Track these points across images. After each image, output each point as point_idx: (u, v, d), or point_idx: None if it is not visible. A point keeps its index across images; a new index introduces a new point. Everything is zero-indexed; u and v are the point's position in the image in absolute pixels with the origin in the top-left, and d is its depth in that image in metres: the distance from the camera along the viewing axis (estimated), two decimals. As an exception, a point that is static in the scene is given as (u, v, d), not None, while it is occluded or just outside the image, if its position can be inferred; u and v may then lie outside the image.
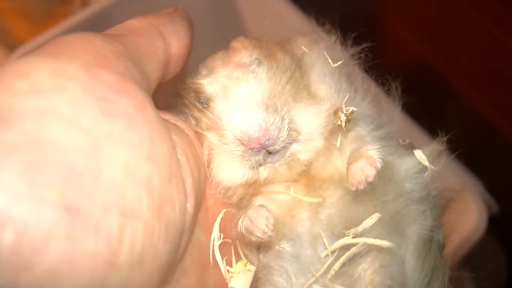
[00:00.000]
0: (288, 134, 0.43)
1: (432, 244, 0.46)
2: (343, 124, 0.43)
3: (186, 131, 0.44)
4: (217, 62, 0.47)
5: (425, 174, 0.45)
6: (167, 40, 0.43)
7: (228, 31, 0.52)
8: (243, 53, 0.46)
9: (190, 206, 0.39)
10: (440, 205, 0.48)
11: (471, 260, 0.81)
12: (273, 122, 0.42)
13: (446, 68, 0.97)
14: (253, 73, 0.44)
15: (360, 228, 0.42)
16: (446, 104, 0.98)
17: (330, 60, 0.46)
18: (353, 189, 0.41)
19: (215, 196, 0.46)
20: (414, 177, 0.45)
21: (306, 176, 0.46)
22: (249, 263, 0.46)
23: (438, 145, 0.46)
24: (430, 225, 0.45)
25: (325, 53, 0.47)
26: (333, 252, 0.43)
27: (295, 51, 0.48)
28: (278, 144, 0.43)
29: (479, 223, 0.81)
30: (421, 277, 0.44)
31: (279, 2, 1.00)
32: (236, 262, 0.47)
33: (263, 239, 0.42)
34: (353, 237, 0.42)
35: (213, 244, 0.45)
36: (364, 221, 0.42)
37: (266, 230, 0.42)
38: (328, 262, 0.43)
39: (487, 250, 0.94)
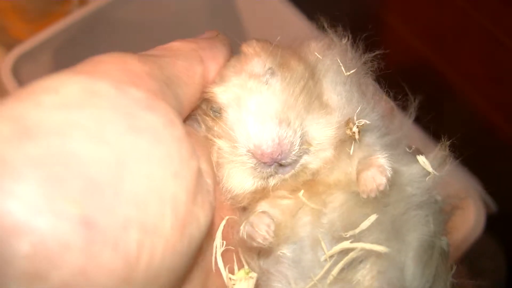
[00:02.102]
0: (300, 147, 0.43)
1: (434, 251, 0.45)
2: (356, 136, 0.43)
3: (206, 145, 0.45)
4: (229, 70, 0.46)
5: (427, 179, 0.45)
6: (206, 65, 0.43)
7: (228, 32, 0.52)
8: (256, 61, 0.46)
9: (208, 221, 0.39)
10: (443, 211, 0.48)
11: (470, 259, 0.81)
12: (286, 136, 0.42)
13: (445, 68, 0.97)
14: (266, 84, 0.44)
15: (357, 230, 0.42)
16: (445, 103, 0.98)
17: (343, 68, 0.46)
18: (365, 196, 0.41)
19: (222, 201, 0.46)
20: (416, 182, 0.45)
21: (309, 182, 0.46)
22: (251, 271, 0.46)
23: (441, 150, 0.46)
24: (431, 231, 0.45)
25: (338, 60, 0.46)
26: (331, 256, 0.43)
27: (308, 57, 0.48)
28: (290, 157, 0.43)
29: (477, 223, 0.81)
30: (421, 284, 0.44)
31: (278, 2, 0.99)
32: (239, 269, 0.46)
33: (264, 245, 0.42)
34: (351, 242, 0.42)
35: (216, 251, 0.45)
36: (361, 224, 0.42)
37: (267, 236, 0.42)
38: (327, 267, 0.43)
39: (485, 250, 0.94)
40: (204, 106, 0.47)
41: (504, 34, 0.86)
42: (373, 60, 0.48)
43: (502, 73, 0.91)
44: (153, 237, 0.32)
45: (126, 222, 0.31)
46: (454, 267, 0.48)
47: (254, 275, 0.45)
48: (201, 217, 0.37)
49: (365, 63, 0.47)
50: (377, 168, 0.41)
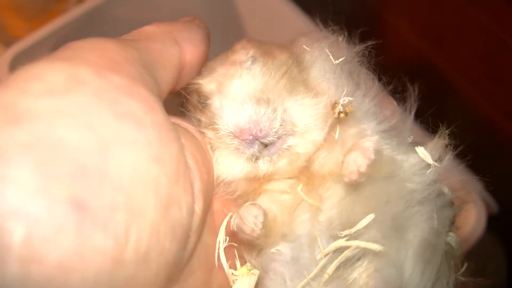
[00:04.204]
0: (281, 126, 0.43)
1: (438, 248, 0.44)
2: (340, 116, 0.42)
3: (196, 136, 0.45)
4: (216, 63, 0.47)
5: (428, 172, 0.44)
6: (182, 47, 0.44)
7: (227, 32, 0.52)
8: (240, 52, 0.47)
9: (198, 208, 0.40)
10: (450, 205, 0.46)
11: (471, 259, 0.81)
12: (264, 113, 0.42)
13: (446, 66, 0.97)
14: (247, 69, 0.45)
15: (353, 230, 0.42)
16: (446, 101, 0.97)
17: (331, 57, 0.46)
18: (346, 180, 0.41)
19: (220, 196, 0.46)
20: (416, 176, 0.44)
21: (307, 174, 0.46)
22: (253, 267, 0.46)
23: (440, 140, 0.45)
24: (435, 228, 0.44)
25: (326, 50, 0.46)
26: (327, 254, 0.43)
27: (296, 49, 0.48)
28: (271, 135, 0.43)
29: (479, 222, 0.81)
30: (422, 282, 0.43)
31: (278, 0, 0.99)
32: (241, 265, 0.47)
33: (253, 237, 0.42)
34: (347, 240, 0.42)
35: (219, 247, 0.45)
36: (358, 223, 0.42)
37: (255, 228, 0.42)
38: (320, 265, 0.43)
39: (487, 249, 0.94)
40: (194, 100, 0.48)
41: (504, 32, 0.85)
42: (366, 50, 0.47)
43: (503, 72, 0.91)
44: (139, 219, 0.33)
45: (113, 204, 0.32)
46: (465, 265, 0.47)
47: (256, 272, 0.45)
48: (183, 201, 0.37)
49: (357, 53, 0.47)
50: (360, 151, 0.41)
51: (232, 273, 0.45)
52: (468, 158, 0.48)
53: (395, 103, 0.49)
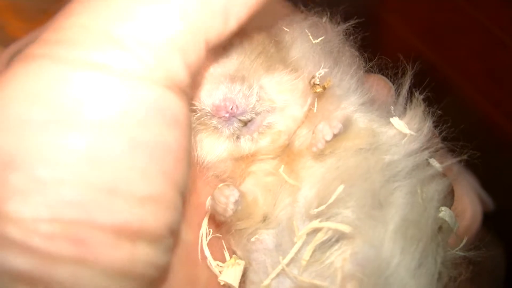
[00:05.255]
0: (259, 102, 0.43)
1: (421, 225, 0.41)
2: (317, 88, 0.43)
3: None
4: None
5: (403, 142, 0.43)
6: None
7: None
8: None
9: None
10: (439, 179, 0.44)
11: (468, 258, 0.81)
12: (240, 90, 0.43)
13: (444, 65, 0.97)
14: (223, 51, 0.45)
15: (324, 206, 0.40)
16: (444, 100, 0.97)
17: (310, 37, 0.46)
18: (314, 150, 0.41)
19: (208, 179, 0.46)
20: (395, 147, 0.43)
21: (288, 153, 0.46)
22: (238, 257, 0.46)
23: (417, 109, 0.45)
24: (418, 203, 0.41)
25: (306, 30, 0.46)
26: (301, 237, 0.42)
27: (275, 30, 0.48)
28: (249, 111, 0.43)
29: (475, 220, 0.81)
30: (404, 261, 0.39)
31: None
32: (230, 257, 0.46)
33: (226, 217, 0.42)
34: (321, 220, 0.41)
35: (201, 240, 0.45)
36: (331, 198, 0.40)
37: (227, 208, 0.42)
38: (294, 249, 0.42)
39: (484, 247, 0.94)
40: None
41: (502, 31, 0.86)
42: (348, 30, 0.47)
43: (501, 71, 0.91)
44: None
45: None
46: (464, 240, 0.44)
47: (241, 262, 0.45)
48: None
49: (338, 32, 0.47)
50: (327, 121, 0.41)
51: (218, 264, 0.45)
52: (465, 155, 0.48)
53: (388, 81, 0.49)
